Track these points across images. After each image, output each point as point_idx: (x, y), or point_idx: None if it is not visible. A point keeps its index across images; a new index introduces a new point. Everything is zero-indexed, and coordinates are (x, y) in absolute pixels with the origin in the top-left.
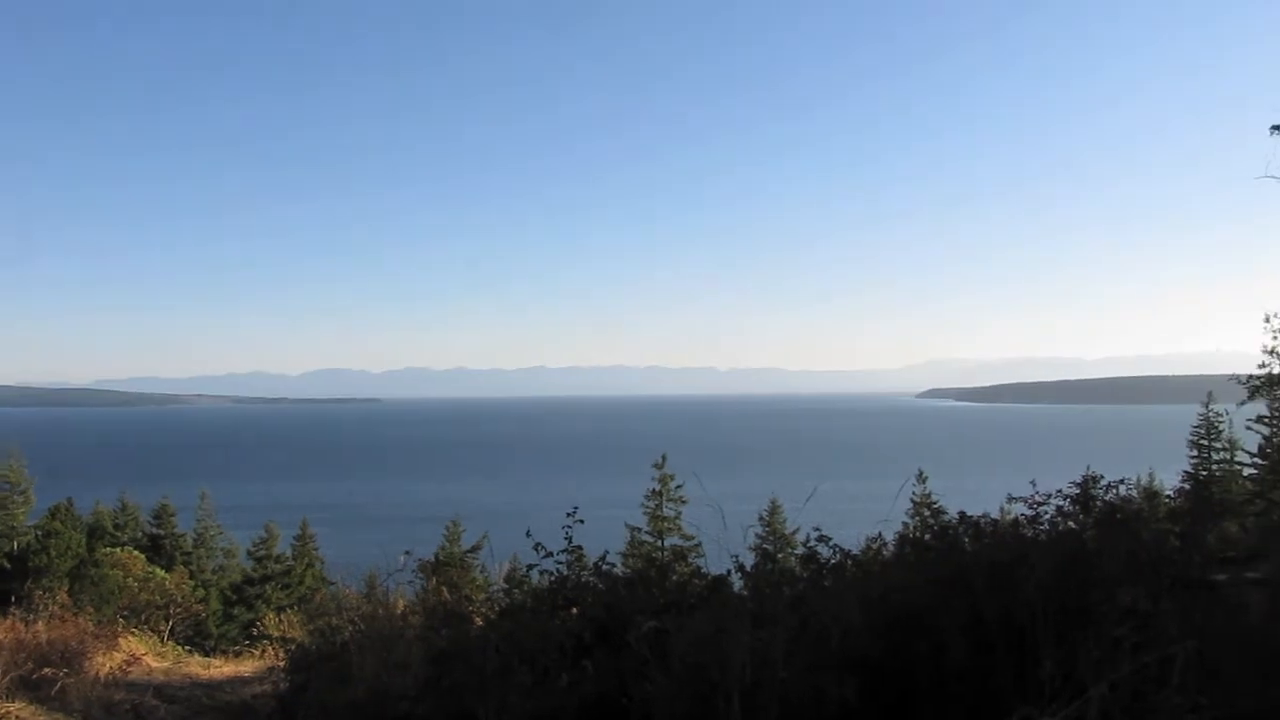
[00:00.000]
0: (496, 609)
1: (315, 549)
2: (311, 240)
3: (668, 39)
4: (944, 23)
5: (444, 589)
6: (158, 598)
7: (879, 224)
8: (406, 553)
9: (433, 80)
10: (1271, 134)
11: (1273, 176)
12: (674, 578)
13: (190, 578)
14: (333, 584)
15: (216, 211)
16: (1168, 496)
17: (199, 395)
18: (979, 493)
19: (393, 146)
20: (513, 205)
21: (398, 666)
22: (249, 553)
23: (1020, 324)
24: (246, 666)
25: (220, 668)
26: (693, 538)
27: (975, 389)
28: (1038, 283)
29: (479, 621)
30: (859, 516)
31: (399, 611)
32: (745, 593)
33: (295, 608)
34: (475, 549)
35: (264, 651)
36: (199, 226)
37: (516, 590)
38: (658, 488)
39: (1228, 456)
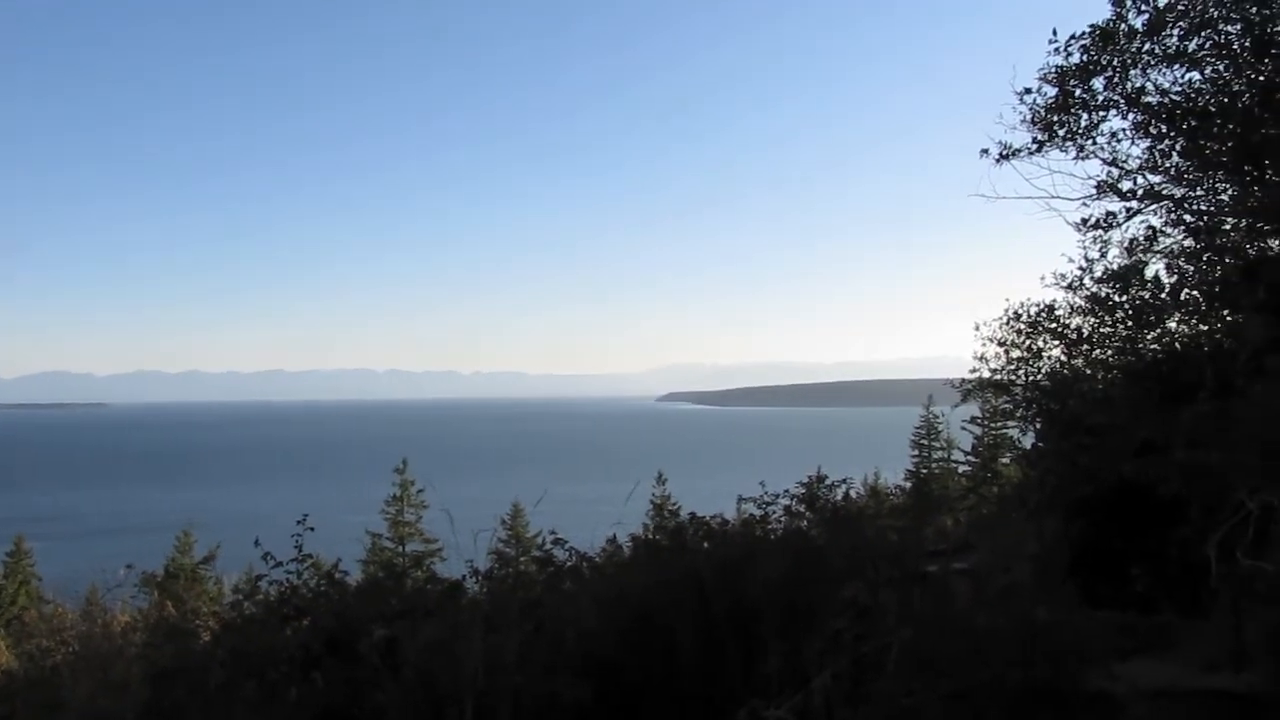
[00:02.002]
0: (224, 622)
1: (31, 565)
2: (28, 233)
3: (427, 40)
4: (709, 20)
5: (168, 603)
6: None
7: (621, 230)
8: (129, 566)
9: (192, 79)
10: (981, 156)
11: (982, 195)
12: (410, 584)
13: None
14: (49, 603)
15: None
16: (891, 493)
17: None
18: (714, 493)
19: (130, 150)
20: (247, 208)
21: (115, 688)
22: None
23: (758, 330)
24: None
25: None
26: (435, 541)
27: (713, 393)
28: (775, 290)
29: (206, 636)
30: (598, 518)
31: (119, 629)
32: (483, 597)
33: (4, 631)
34: (208, 560)
35: None
36: None
37: (246, 602)
38: (398, 493)
39: (945, 455)
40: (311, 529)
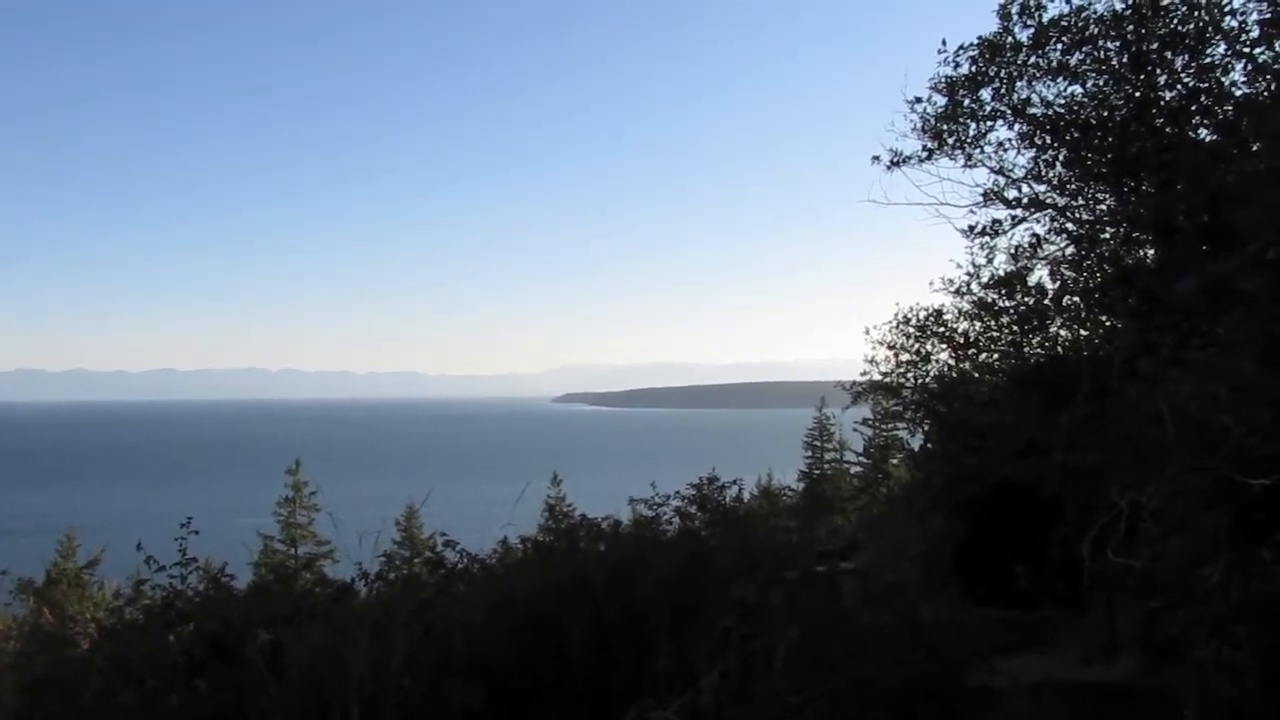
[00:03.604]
0: (103, 629)
1: None
2: None
3: (328, 38)
4: (595, 31)
5: (46, 610)
6: None
7: (517, 230)
8: (3, 572)
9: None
10: (873, 163)
11: (874, 200)
12: (299, 587)
13: None
14: None
15: None
16: (784, 494)
17: None
18: (609, 494)
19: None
20: (133, 207)
21: None
22: None
23: (655, 331)
24: None
25: None
26: (327, 543)
27: (609, 394)
28: (671, 292)
29: (85, 644)
30: (492, 519)
31: None
32: (372, 600)
33: None
34: (92, 564)
35: None
36: None
37: (128, 608)
38: (291, 494)
39: (838, 456)
40: (196, 532)
